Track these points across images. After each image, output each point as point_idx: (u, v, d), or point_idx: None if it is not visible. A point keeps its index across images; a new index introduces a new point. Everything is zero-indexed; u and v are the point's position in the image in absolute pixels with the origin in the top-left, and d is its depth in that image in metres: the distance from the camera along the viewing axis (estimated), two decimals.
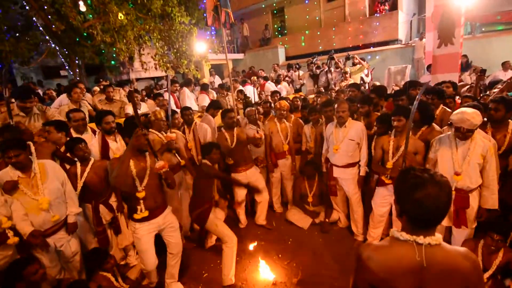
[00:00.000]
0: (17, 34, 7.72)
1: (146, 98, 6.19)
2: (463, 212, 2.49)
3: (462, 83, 5.53)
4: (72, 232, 2.57)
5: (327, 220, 3.73)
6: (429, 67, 6.26)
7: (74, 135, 3.09)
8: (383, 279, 1.04)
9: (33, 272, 2.07)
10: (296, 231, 3.72)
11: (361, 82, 7.33)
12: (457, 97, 3.97)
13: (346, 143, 3.20)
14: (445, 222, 2.55)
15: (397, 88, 5.23)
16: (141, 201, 2.42)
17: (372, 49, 11.06)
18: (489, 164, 2.38)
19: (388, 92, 4.86)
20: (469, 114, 2.30)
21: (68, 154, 2.83)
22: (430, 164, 2.67)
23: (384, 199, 2.98)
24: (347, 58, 7.82)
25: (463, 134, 2.38)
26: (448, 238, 2.69)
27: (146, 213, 2.43)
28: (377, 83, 6.66)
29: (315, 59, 8.68)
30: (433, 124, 3.00)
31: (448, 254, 1.03)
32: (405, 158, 2.59)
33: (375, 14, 11.46)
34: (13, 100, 3.46)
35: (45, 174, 2.42)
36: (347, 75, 7.02)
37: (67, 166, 2.80)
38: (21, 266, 2.08)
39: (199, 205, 2.90)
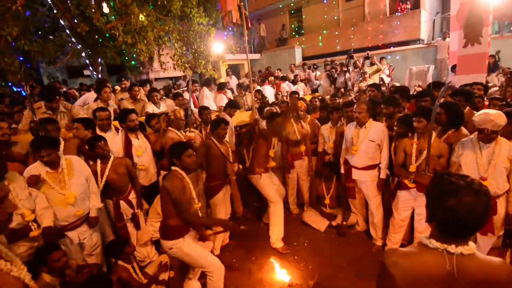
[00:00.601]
0: (45, 35, 8.08)
1: (164, 97, 6.31)
2: (489, 219, 2.38)
3: (489, 84, 5.28)
4: (94, 226, 2.66)
5: (344, 223, 3.66)
6: (453, 67, 6.02)
7: (99, 132, 3.19)
8: (409, 287, 1.00)
9: (56, 258, 2.14)
10: (312, 233, 3.68)
11: (381, 82, 7.16)
12: (485, 99, 3.80)
13: (365, 144, 3.13)
14: None
15: (420, 89, 5.06)
16: (198, 211, 2.48)
17: (392, 49, 10.77)
18: None
19: (410, 93, 4.70)
20: (492, 115, 2.21)
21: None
22: (453, 169, 2.56)
23: (406, 203, 2.88)
24: (366, 58, 7.64)
25: (487, 136, 2.28)
26: None
27: (199, 205, 2.50)
28: (397, 84, 6.48)
29: (331, 62, 8.55)
30: (462, 127, 2.87)
31: (481, 265, 0.97)
32: (428, 162, 2.50)
33: (396, 13, 11.16)
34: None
35: (71, 169, 2.52)
36: (366, 76, 6.86)
37: (90, 163, 2.89)
38: (46, 252, 2.16)
39: (213, 179, 3.14)
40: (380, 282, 1.11)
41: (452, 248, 0.97)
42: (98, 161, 2.84)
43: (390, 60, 9.58)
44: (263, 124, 4.20)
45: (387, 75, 7.56)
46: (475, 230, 0.98)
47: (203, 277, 2.63)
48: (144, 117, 3.80)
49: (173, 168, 2.39)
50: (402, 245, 3.05)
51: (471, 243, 0.99)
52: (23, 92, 9.48)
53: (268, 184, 3.45)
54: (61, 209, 2.44)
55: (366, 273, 2.84)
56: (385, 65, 7.77)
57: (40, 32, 7.96)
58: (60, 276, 2.22)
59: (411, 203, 2.85)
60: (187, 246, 2.37)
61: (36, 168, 2.41)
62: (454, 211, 0.94)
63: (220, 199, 3.17)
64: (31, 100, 3.20)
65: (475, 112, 3.20)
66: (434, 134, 2.74)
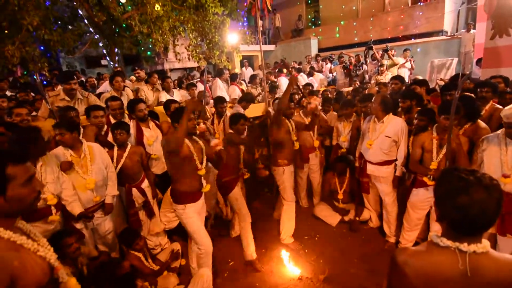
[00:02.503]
0: (64, 25, 8.25)
1: (177, 87, 6.34)
2: (509, 218, 2.26)
3: None
4: (109, 213, 2.73)
5: (357, 218, 3.60)
6: (479, 61, 5.72)
7: (113, 121, 3.24)
8: (420, 287, 0.97)
9: (68, 244, 2.18)
10: (323, 228, 3.64)
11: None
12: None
13: (381, 139, 3.03)
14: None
15: (442, 83, 4.84)
16: (202, 177, 2.55)
17: (412, 40, 10.35)
18: None
19: (431, 87, 4.52)
20: None
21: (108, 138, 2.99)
22: (476, 165, 2.45)
23: (424, 201, 2.78)
24: (385, 51, 7.38)
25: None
26: (492, 247, 2.47)
27: (207, 187, 2.56)
28: (419, 77, 6.24)
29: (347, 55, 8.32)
30: (479, 121, 2.75)
31: (496, 263, 0.92)
32: (449, 157, 2.40)
33: (419, 3, 10.68)
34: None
35: (93, 155, 2.60)
36: (382, 68, 6.63)
37: (106, 150, 2.95)
38: (60, 236, 2.23)
39: (226, 175, 3.05)
40: (391, 280, 1.08)
41: (464, 247, 0.93)
42: (115, 148, 2.89)
43: (410, 52, 9.24)
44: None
45: (409, 68, 7.28)
46: (488, 227, 0.93)
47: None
48: (159, 107, 3.83)
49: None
50: (416, 243, 2.97)
51: (484, 241, 0.94)
52: (44, 81, 9.80)
53: (289, 180, 3.37)
54: (81, 194, 2.52)
55: (378, 270, 2.79)
56: (408, 59, 7.47)
57: (59, 22, 8.13)
58: (72, 264, 2.27)
59: (429, 200, 2.75)
60: (186, 216, 2.51)
61: (61, 150, 2.49)
62: (465, 209, 0.90)
63: (237, 193, 3.11)
64: (42, 90, 3.28)
65: (499, 106, 3.04)
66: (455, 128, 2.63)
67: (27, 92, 5.71)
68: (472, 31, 8.19)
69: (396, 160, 3.08)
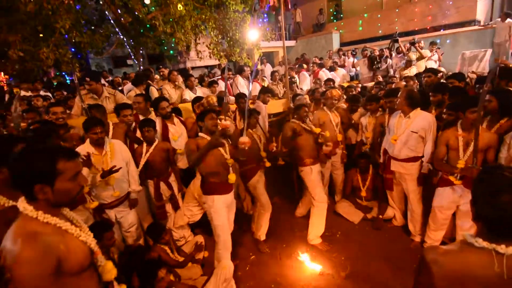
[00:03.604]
0: (93, 27, 8.66)
1: (198, 85, 6.47)
2: None
3: None
4: (134, 207, 2.88)
5: (380, 216, 3.52)
6: None
7: (141, 117, 3.39)
8: (450, 287, 0.95)
9: (110, 237, 2.35)
10: (345, 225, 3.60)
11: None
12: None
13: (406, 135, 2.94)
14: None
15: (474, 76, 4.58)
16: (230, 167, 2.67)
17: (442, 32, 9.81)
18: None
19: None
20: None
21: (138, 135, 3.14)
22: (505, 162, 2.31)
23: (450, 201, 2.68)
24: (412, 43, 7.05)
25: None
26: None
27: (233, 177, 2.65)
28: (442, 69, 5.94)
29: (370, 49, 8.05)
30: None
31: None
32: (476, 154, 2.30)
33: None
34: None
35: (114, 153, 2.71)
36: (412, 63, 6.32)
37: (135, 146, 3.10)
38: (101, 229, 2.37)
39: (246, 163, 3.17)
40: (419, 278, 1.06)
41: (502, 248, 0.89)
42: (144, 144, 3.03)
43: (439, 44, 8.78)
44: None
45: (436, 61, 6.93)
46: None
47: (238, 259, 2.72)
48: (183, 104, 3.95)
49: (199, 134, 2.68)
50: (443, 243, 2.87)
51: None
52: (68, 81, 10.36)
53: (317, 180, 3.34)
54: (101, 189, 2.66)
55: (402, 269, 2.72)
56: (435, 52, 7.11)
57: (89, 25, 8.54)
58: (105, 253, 2.42)
59: (456, 200, 2.64)
60: (214, 210, 2.61)
61: (84, 148, 2.61)
62: (506, 209, 0.87)
63: (257, 180, 3.23)
64: (79, 89, 3.49)
65: None
66: (482, 125, 2.50)
67: (62, 92, 6.09)
68: (507, 20, 7.63)
69: (422, 156, 2.97)
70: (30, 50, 6.16)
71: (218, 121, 3.51)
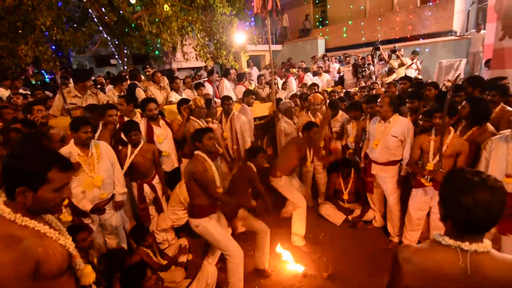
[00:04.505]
0: (75, 25, 8.43)
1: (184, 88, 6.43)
2: (510, 218, 2.26)
3: None
4: (119, 209, 2.83)
5: (361, 218, 3.63)
6: (488, 62, 5.67)
7: (126, 119, 3.34)
8: (421, 284, 1.01)
9: (82, 238, 2.28)
10: (328, 227, 3.68)
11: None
12: None
13: (387, 139, 3.06)
14: None
15: (449, 84, 4.82)
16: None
17: (421, 41, 10.26)
18: None
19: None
20: None
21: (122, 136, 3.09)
22: (482, 165, 2.45)
23: (422, 202, 2.82)
24: (393, 51, 7.34)
25: None
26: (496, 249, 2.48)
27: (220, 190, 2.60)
28: (419, 76, 6.22)
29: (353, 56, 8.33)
30: (487, 124, 2.73)
31: (496, 262, 0.96)
32: (441, 158, 2.46)
33: (428, 3, 10.58)
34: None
35: (100, 154, 2.66)
36: (393, 71, 6.57)
37: (120, 147, 3.05)
38: (73, 231, 2.33)
39: (231, 210, 2.92)
40: (393, 276, 1.12)
41: (466, 246, 0.96)
42: (129, 146, 2.99)
43: (418, 52, 9.16)
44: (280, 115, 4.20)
45: (415, 69, 7.23)
46: (490, 227, 0.97)
47: (221, 262, 2.73)
48: (169, 106, 3.93)
49: (195, 152, 2.52)
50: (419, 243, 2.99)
51: (486, 241, 0.98)
52: (47, 79, 10.01)
53: (288, 186, 3.35)
54: (88, 192, 2.59)
55: (381, 269, 2.82)
56: (415, 59, 7.42)
57: (71, 22, 8.31)
58: (84, 256, 2.37)
59: (428, 201, 2.78)
60: (212, 226, 2.50)
61: (69, 149, 2.54)
62: (469, 209, 0.93)
63: (242, 214, 3.03)
64: (61, 88, 3.40)
65: (509, 108, 3.03)
66: (453, 131, 2.64)
67: (43, 91, 5.89)
68: (482, 31, 8.08)
69: (401, 160, 3.10)
70: (8, 47, 5.91)
71: (204, 121, 3.53)
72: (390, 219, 3.29)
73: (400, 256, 1.07)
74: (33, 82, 8.85)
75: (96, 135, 2.91)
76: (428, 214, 2.90)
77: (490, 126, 2.72)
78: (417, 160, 2.81)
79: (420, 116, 2.89)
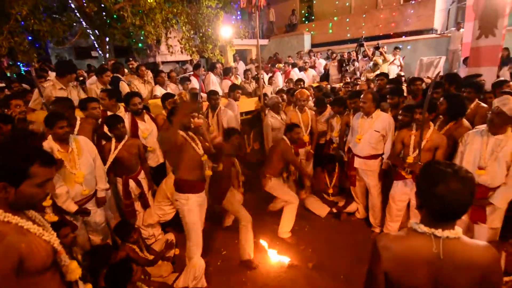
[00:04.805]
0: (53, 15, 8.07)
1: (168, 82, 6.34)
2: (480, 208, 2.42)
3: (501, 78, 5.19)
4: (102, 205, 2.78)
5: (345, 210, 3.74)
6: (466, 59, 5.90)
7: (109, 113, 3.27)
8: (398, 269, 1.08)
9: (64, 234, 2.23)
10: (313, 219, 3.78)
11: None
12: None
13: (370, 134, 3.16)
14: (464, 216, 2.48)
15: (429, 81, 5.01)
16: (204, 164, 2.64)
17: (404, 38, 10.51)
18: None
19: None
20: None
21: (105, 130, 3.02)
22: (458, 158, 2.59)
23: (402, 193, 2.94)
24: (376, 48, 7.50)
25: (495, 120, 2.26)
26: (470, 237, 2.63)
27: (210, 172, 2.70)
28: (402, 73, 6.40)
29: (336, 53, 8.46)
30: (463, 120, 2.88)
31: (466, 247, 1.04)
32: (419, 152, 2.59)
33: (411, 1, 10.84)
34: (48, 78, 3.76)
35: (80, 149, 2.59)
36: (377, 67, 6.71)
37: (103, 142, 2.99)
38: (55, 227, 2.28)
39: (218, 189, 3.05)
40: (372, 263, 1.18)
41: (439, 232, 1.03)
42: (113, 141, 2.93)
43: (402, 50, 9.40)
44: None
45: (398, 65, 7.43)
46: (461, 214, 1.04)
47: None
48: (154, 100, 3.86)
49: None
50: None
51: (457, 228, 1.05)
52: (23, 71, 9.57)
53: (279, 187, 3.41)
54: (69, 188, 2.52)
55: (363, 258, 2.90)
56: (398, 55, 7.62)
57: (49, 12, 7.95)
58: (68, 253, 2.33)
59: (408, 193, 2.91)
60: (188, 208, 2.57)
61: (48, 145, 2.45)
62: (443, 198, 1.00)
63: (230, 197, 3.13)
64: (37, 82, 3.27)
65: (484, 105, 3.20)
66: (432, 126, 2.77)
67: (20, 84, 5.63)
68: (461, 30, 8.38)
69: (382, 154, 3.22)
70: None
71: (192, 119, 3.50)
72: (372, 210, 3.42)
73: (379, 244, 1.14)
74: (8, 74, 8.45)
75: (76, 129, 2.83)
76: (408, 205, 3.04)
77: (465, 122, 2.87)
78: (399, 153, 2.92)
79: (400, 111, 3.00)
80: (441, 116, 3.00)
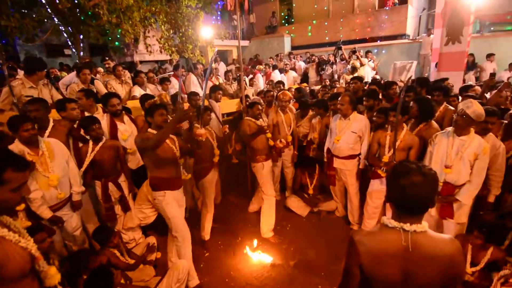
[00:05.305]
0: (22, 10, 7.64)
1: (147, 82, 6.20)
2: (447, 204, 2.59)
3: (469, 83, 5.55)
4: (77, 209, 2.70)
5: (324, 209, 3.86)
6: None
7: (86, 114, 3.16)
8: (372, 261, 1.16)
9: (40, 239, 2.14)
10: (294, 218, 3.86)
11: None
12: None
13: (347, 135, 3.29)
14: (434, 212, 2.67)
15: (402, 84, 5.27)
16: (181, 166, 2.66)
17: (379, 42, 10.98)
18: (478, 162, 2.44)
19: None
20: (476, 102, 2.38)
21: (82, 132, 2.91)
22: (427, 158, 2.75)
23: (379, 191, 3.09)
24: (353, 52, 7.78)
25: (460, 122, 2.42)
26: (440, 232, 2.81)
27: (189, 176, 2.73)
28: (377, 76, 6.67)
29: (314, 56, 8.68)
30: (432, 121, 3.08)
31: (432, 240, 1.13)
32: (394, 151, 2.76)
33: (385, 7, 11.32)
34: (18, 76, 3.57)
35: (52, 152, 2.49)
36: (356, 70, 6.94)
37: (80, 145, 2.89)
38: (31, 233, 2.18)
39: (200, 162, 3.20)
40: (348, 257, 1.27)
41: (407, 226, 1.12)
42: (90, 143, 2.84)
43: (375, 54, 9.80)
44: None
45: (372, 68, 7.74)
46: (424, 207, 1.13)
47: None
48: (132, 101, 3.78)
49: (148, 130, 2.57)
50: None
51: (424, 222, 1.14)
52: None
53: (268, 175, 3.50)
54: (44, 192, 2.43)
55: (343, 255, 3.02)
56: (370, 59, 7.93)
57: (17, 7, 7.52)
58: (45, 259, 2.24)
59: (384, 190, 3.05)
60: (166, 202, 2.57)
61: (17, 148, 2.33)
62: (404, 189, 1.10)
63: (209, 181, 3.27)
64: (9, 81, 3.11)
65: (451, 107, 3.43)
66: (406, 127, 2.94)
67: None
68: (431, 36, 8.88)
69: (359, 154, 3.36)
70: None
71: (171, 117, 3.46)
72: (350, 209, 3.56)
73: (355, 238, 1.23)
74: None
75: (47, 132, 2.71)
76: (384, 203, 3.19)
77: (434, 123, 3.08)
78: (375, 153, 3.07)
79: (375, 114, 3.16)
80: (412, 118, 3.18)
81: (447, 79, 4.49)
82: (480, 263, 2.39)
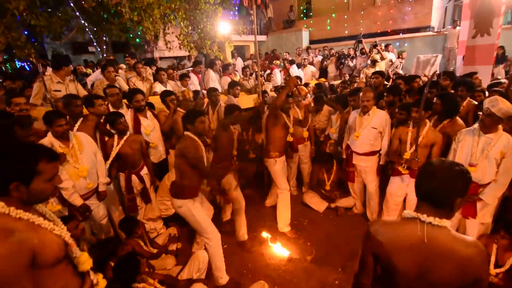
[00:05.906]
0: (50, 10, 8.00)
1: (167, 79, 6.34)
2: (470, 203, 2.52)
3: (499, 77, 5.29)
4: (103, 199, 2.85)
5: (342, 205, 3.83)
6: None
7: (111, 109, 3.30)
8: (387, 251, 1.17)
9: (73, 227, 2.29)
10: (311, 214, 3.87)
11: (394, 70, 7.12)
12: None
13: (367, 131, 3.24)
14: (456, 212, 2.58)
15: (425, 79, 5.09)
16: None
17: (401, 35, 10.58)
18: (505, 160, 2.35)
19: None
20: (502, 100, 2.28)
21: (107, 127, 3.06)
22: (451, 155, 2.67)
23: (399, 188, 3.04)
24: (374, 46, 7.56)
25: (486, 120, 2.34)
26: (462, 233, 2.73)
27: (208, 188, 2.83)
28: (400, 71, 6.46)
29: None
30: (457, 117, 2.97)
31: (453, 239, 1.11)
32: (416, 148, 2.69)
33: None
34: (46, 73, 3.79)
35: (81, 145, 2.66)
36: (376, 64, 6.75)
37: (106, 138, 3.03)
38: (65, 221, 2.33)
39: (219, 161, 3.10)
40: (364, 247, 1.31)
41: (423, 217, 1.13)
42: (115, 136, 2.98)
43: (397, 47, 9.47)
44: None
45: (390, 61, 7.50)
46: (444, 202, 1.12)
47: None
48: (154, 97, 3.89)
49: (185, 133, 2.54)
50: None
51: (445, 220, 1.12)
52: (26, 67, 9.51)
53: (281, 171, 3.46)
54: (74, 182, 2.59)
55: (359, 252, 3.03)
56: (391, 53, 7.68)
57: (45, 6, 7.88)
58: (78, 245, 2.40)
59: (404, 188, 3.00)
60: (194, 208, 2.60)
61: (49, 142, 2.49)
62: (428, 178, 1.13)
63: (231, 178, 3.25)
64: (43, 77, 3.30)
65: (475, 102, 3.29)
66: (429, 123, 2.85)
67: (14, 81, 5.59)
68: (458, 28, 8.46)
69: (379, 150, 3.30)
70: None
71: None
72: (369, 205, 3.51)
73: (372, 227, 1.27)
74: (3, 68, 8.39)
75: (76, 126, 2.87)
76: (405, 201, 3.13)
77: (459, 120, 2.97)
78: (396, 150, 3.01)
79: (397, 110, 3.08)
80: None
81: (475, 73, 4.29)
82: (505, 264, 2.32)
